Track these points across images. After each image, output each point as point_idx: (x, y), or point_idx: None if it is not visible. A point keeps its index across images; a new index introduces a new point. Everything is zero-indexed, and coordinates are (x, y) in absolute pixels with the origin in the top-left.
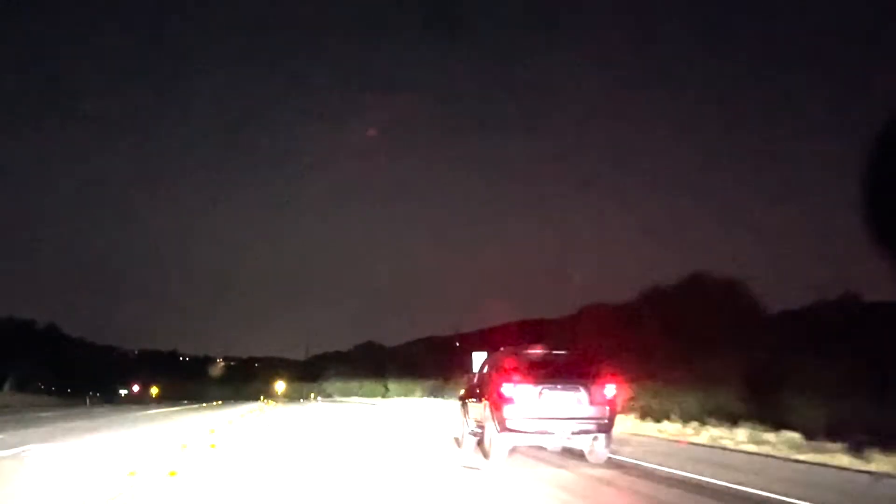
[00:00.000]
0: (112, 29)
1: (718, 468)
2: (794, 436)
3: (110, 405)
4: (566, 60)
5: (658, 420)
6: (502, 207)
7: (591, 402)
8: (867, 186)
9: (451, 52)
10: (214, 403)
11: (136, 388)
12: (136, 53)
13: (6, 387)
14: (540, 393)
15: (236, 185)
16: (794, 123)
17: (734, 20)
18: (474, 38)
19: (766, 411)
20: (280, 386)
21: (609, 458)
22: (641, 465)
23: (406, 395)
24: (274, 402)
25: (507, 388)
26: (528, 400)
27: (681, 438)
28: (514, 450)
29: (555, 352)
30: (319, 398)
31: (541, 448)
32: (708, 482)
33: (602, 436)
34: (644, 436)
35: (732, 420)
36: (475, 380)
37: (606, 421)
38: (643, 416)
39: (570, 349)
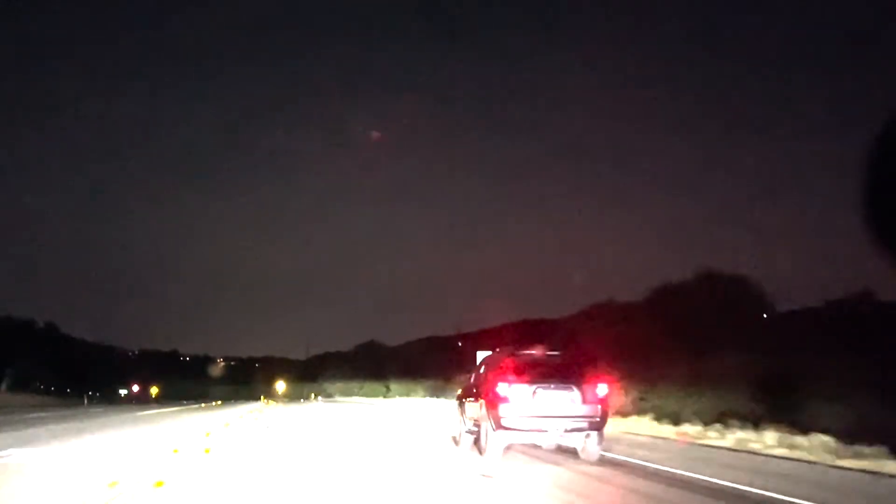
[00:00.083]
0: (112, 29)
1: (767, 477)
2: (826, 439)
3: (108, 405)
4: (566, 60)
5: (676, 423)
6: (502, 207)
7: (584, 401)
8: (867, 186)
9: (451, 52)
10: (214, 404)
11: (135, 388)
12: (137, 53)
13: (2, 386)
14: (534, 392)
15: (236, 185)
16: (794, 123)
17: (734, 20)
18: (474, 38)
19: (784, 413)
20: (280, 386)
21: (612, 457)
22: (677, 474)
23: (408, 395)
24: (274, 402)
25: (502, 388)
26: (522, 399)
27: (705, 442)
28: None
29: (549, 353)
30: (320, 398)
31: (536, 446)
32: (769, 497)
33: (594, 434)
34: (661, 438)
35: (751, 422)
36: (472, 380)
37: (598, 419)
38: (659, 418)
39: (563, 350)
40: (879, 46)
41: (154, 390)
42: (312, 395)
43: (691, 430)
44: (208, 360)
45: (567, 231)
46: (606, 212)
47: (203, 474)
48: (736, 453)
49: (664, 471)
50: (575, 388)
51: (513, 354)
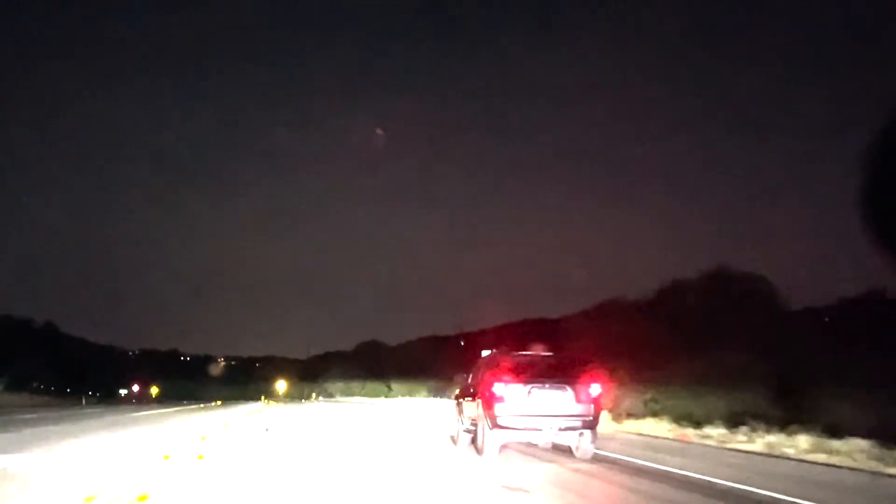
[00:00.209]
0: (112, 29)
1: (829, 491)
2: (862, 443)
3: (107, 405)
4: (566, 60)
5: (698, 425)
6: (502, 207)
7: (577, 401)
8: (867, 186)
9: (451, 52)
10: (214, 403)
11: (135, 387)
12: (137, 53)
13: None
14: (529, 392)
15: (236, 185)
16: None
17: (734, 20)
18: (474, 38)
19: (806, 414)
20: (281, 385)
21: (642, 465)
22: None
23: (410, 395)
24: (275, 402)
25: (498, 388)
26: (517, 398)
27: (733, 446)
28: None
29: (543, 353)
30: (321, 398)
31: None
32: None
33: (588, 432)
34: (684, 441)
35: (775, 424)
36: (469, 380)
37: (591, 418)
38: (678, 420)
39: (558, 351)
40: (879, 46)
41: (154, 390)
42: (313, 394)
43: (714, 432)
44: (208, 360)
45: (567, 231)
46: (606, 212)
47: (194, 485)
48: (775, 459)
49: (708, 481)
50: (569, 388)
51: (508, 355)
